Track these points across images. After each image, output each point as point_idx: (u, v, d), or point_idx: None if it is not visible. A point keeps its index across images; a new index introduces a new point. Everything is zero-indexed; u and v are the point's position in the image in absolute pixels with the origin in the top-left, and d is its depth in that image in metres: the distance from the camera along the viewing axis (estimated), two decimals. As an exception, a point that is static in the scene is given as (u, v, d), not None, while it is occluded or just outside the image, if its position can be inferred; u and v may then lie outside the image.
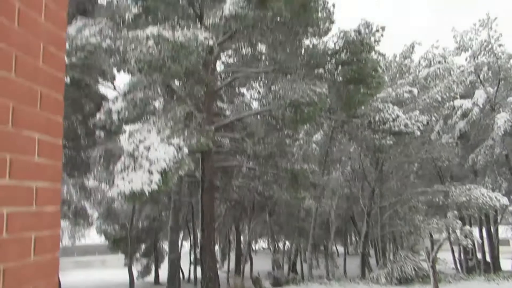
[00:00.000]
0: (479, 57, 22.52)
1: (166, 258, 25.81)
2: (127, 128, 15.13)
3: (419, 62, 24.91)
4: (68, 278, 27.80)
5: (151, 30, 10.91)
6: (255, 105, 22.57)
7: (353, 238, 42.94)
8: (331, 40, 15.30)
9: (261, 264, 27.62)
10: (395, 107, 17.44)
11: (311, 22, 13.97)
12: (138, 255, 28.47)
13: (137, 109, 13.06)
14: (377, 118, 16.67)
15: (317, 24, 14.42)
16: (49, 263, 1.37)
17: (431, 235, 21.18)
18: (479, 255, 24.63)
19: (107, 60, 13.76)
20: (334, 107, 16.65)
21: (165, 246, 27.79)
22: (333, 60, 15.00)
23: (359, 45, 14.34)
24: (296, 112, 13.14)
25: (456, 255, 27.35)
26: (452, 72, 22.37)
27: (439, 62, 23.89)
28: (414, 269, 17.92)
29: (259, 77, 19.05)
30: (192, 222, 26.25)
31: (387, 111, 16.89)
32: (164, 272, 23.98)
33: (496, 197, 17.69)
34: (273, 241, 27.12)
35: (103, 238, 27.04)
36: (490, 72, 22.97)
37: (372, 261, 26.05)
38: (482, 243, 24.07)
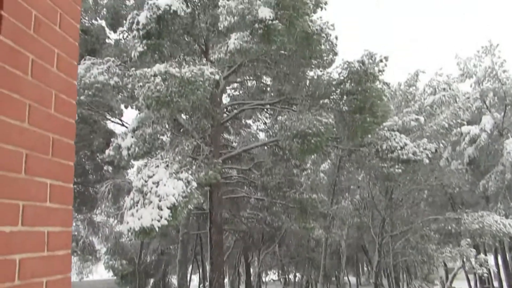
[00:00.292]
0: (483, 83, 22.62)
1: (175, 293, 25.41)
2: (136, 163, 15.21)
3: (424, 89, 25.00)
4: (76, 316, 27.35)
5: (158, 67, 11.12)
6: (261, 136, 22.65)
7: (365, 268, 42.04)
8: (335, 71, 15.48)
9: (272, 297, 27.09)
10: (402, 136, 17.40)
11: (314, 54, 14.15)
12: (147, 290, 28.04)
13: (147, 144, 13.15)
14: (384, 147, 16.61)
15: (321, 56, 14.62)
16: (59, 307, 1.37)
17: (445, 264, 20.71)
18: (495, 284, 23.97)
19: (114, 97, 14.04)
20: (340, 137, 16.67)
21: (174, 280, 27.38)
22: (338, 90, 15.10)
23: (363, 75, 14.46)
24: (303, 142, 13.15)
25: (472, 284, 26.61)
26: (457, 99, 22.40)
27: (444, 89, 23.93)
28: (429, 300, 17.49)
29: (265, 109, 19.21)
30: (201, 255, 25.95)
31: (395, 139, 16.84)
32: (173, 307, 23.56)
33: (510, 224, 17.32)
34: (283, 273, 26.65)
35: (111, 273, 26.73)
36: (496, 98, 23.00)
37: (386, 292, 25.41)
38: (498, 271, 23.47)
